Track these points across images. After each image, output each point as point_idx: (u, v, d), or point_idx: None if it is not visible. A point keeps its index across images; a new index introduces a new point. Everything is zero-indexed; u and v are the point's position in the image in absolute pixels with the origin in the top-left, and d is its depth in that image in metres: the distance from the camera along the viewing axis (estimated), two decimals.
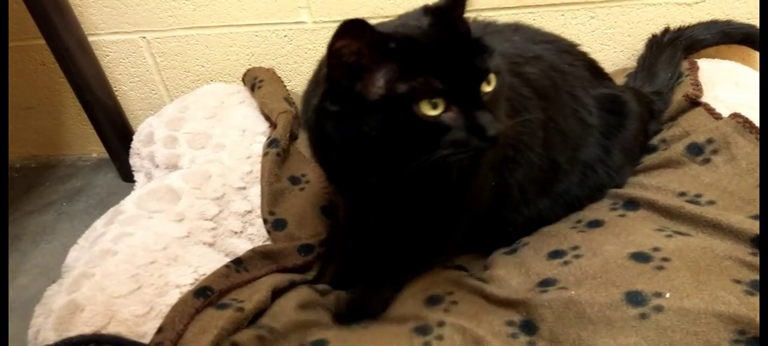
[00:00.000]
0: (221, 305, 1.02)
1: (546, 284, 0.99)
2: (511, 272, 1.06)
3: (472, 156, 0.81)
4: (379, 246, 1.12)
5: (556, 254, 1.04)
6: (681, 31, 1.49)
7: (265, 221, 1.26)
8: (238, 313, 0.99)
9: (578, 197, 1.18)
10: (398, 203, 0.98)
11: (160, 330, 0.96)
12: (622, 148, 1.21)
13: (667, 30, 1.50)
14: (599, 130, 1.18)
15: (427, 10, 0.85)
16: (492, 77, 0.81)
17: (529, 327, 0.95)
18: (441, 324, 0.97)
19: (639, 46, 1.58)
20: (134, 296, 1.02)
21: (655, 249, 0.96)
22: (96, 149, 2.00)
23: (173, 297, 1.03)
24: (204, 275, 1.09)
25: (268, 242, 1.24)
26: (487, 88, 0.81)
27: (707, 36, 1.48)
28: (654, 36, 1.51)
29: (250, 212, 1.28)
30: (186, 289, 1.05)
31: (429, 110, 0.76)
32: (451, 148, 0.78)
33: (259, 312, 1.03)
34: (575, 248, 1.04)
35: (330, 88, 0.80)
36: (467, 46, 0.80)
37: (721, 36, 1.48)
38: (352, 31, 0.73)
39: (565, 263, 1.01)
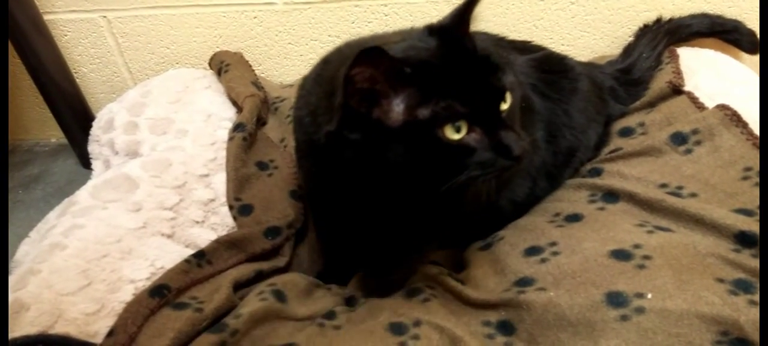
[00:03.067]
0: (178, 304, 0.96)
1: (523, 283, 0.95)
2: (487, 272, 1.01)
3: (498, 175, 0.80)
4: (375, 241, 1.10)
5: (533, 251, 1.00)
6: (671, 20, 1.48)
7: (231, 207, 1.20)
8: (196, 314, 0.93)
9: (555, 166, 1.17)
10: (406, 213, 0.95)
11: (111, 333, 0.90)
12: (579, 108, 1.20)
13: (658, 20, 1.50)
14: (552, 98, 1.17)
15: (431, 30, 0.83)
16: (508, 95, 0.80)
17: (506, 328, 0.91)
18: (417, 323, 0.93)
19: (619, 32, 1.56)
20: (84, 293, 0.96)
21: (636, 246, 0.92)
22: (55, 134, 1.91)
23: (127, 293, 0.97)
24: (161, 268, 1.03)
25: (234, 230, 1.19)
26: (504, 106, 0.80)
27: (693, 23, 1.47)
28: (645, 25, 1.51)
29: (213, 200, 1.22)
30: (141, 284, 1.00)
31: (453, 134, 0.76)
32: (478, 169, 0.78)
33: (221, 314, 0.97)
34: (553, 244, 1.00)
35: (347, 116, 0.77)
36: (481, 66, 0.80)
37: (709, 26, 1.47)
38: (368, 59, 0.71)
39: (543, 260, 0.97)
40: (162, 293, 0.95)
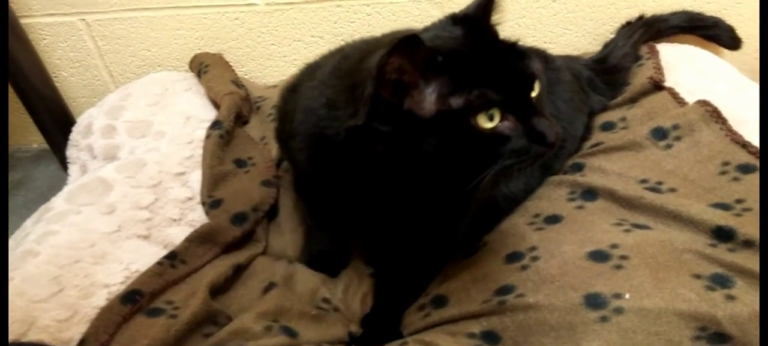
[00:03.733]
0: (152, 310, 0.95)
1: (504, 292, 0.94)
2: (467, 283, 1.00)
3: (532, 162, 0.79)
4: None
5: (513, 257, 0.99)
6: (652, 16, 1.49)
7: (203, 203, 1.19)
8: (171, 320, 0.92)
9: (548, 157, 1.15)
10: (423, 208, 0.93)
11: (82, 342, 0.88)
12: (565, 99, 1.21)
13: (640, 17, 1.50)
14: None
15: (455, 19, 0.82)
16: (537, 82, 0.79)
17: (491, 338, 0.90)
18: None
19: (601, 29, 1.56)
20: (56, 299, 0.94)
21: (613, 246, 0.92)
22: (36, 140, 1.88)
23: (100, 299, 0.96)
24: (136, 271, 1.01)
25: None
26: (534, 93, 0.79)
27: (671, 18, 1.48)
28: (628, 22, 1.51)
29: (190, 198, 1.20)
30: (115, 289, 0.98)
31: (486, 123, 0.74)
32: (513, 157, 0.77)
33: (198, 320, 0.94)
34: (532, 249, 0.99)
35: (377, 108, 0.75)
36: (510, 53, 0.79)
37: (688, 21, 1.48)
38: (406, 47, 0.69)
39: (523, 267, 0.96)
40: (134, 299, 0.94)
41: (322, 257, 1.15)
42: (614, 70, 1.37)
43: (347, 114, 0.79)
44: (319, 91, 0.88)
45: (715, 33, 1.47)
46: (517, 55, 0.79)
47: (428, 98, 0.74)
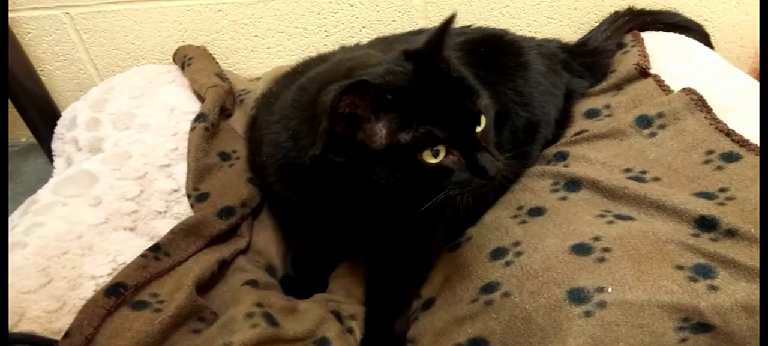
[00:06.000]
0: (137, 303, 0.95)
1: (489, 289, 0.94)
2: (453, 282, 1.01)
3: (475, 193, 0.84)
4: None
5: (497, 253, 1.00)
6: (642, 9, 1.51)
7: (189, 196, 1.19)
8: (155, 314, 0.92)
9: (518, 144, 1.18)
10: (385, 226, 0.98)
11: (66, 335, 0.88)
12: (532, 83, 1.22)
13: (630, 9, 1.52)
14: (492, 80, 1.16)
15: (408, 55, 0.85)
16: (482, 118, 0.84)
17: (479, 344, 0.90)
18: None
19: (585, 18, 1.56)
20: (45, 290, 0.95)
21: (596, 239, 0.92)
22: (24, 134, 1.86)
23: (88, 290, 0.96)
24: (123, 263, 1.02)
25: None
26: (479, 128, 0.83)
27: (657, 16, 1.50)
28: (616, 12, 1.52)
29: (176, 190, 1.20)
30: (102, 280, 0.98)
31: (431, 158, 0.80)
32: (455, 189, 0.82)
33: (183, 314, 0.94)
34: (516, 243, 0.99)
35: (332, 141, 0.80)
36: (457, 90, 0.84)
37: (672, 19, 1.51)
38: (354, 91, 0.74)
39: (507, 263, 0.96)
40: (119, 292, 0.94)
41: (291, 282, 1.14)
42: (594, 53, 1.38)
43: (309, 143, 0.83)
44: (283, 124, 0.93)
45: (694, 36, 1.47)
46: (464, 92, 0.84)
47: (379, 133, 0.79)
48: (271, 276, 1.13)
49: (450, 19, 0.82)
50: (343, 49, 1.26)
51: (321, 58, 1.17)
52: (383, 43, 1.29)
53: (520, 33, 1.39)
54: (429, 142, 0.79)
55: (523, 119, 1.18)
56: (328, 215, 0.97)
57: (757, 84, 1.23)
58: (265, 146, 0.99)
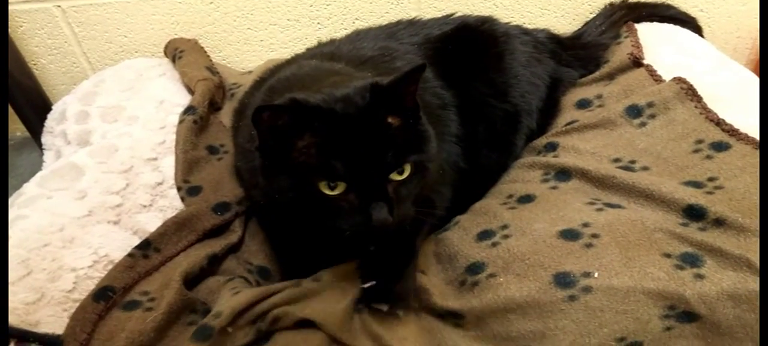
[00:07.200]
0: (128, 304, 0.94)
1: (474, 269, 0.93)
2: (435, 260, 1.01)
3: (368, 234, 0.83)
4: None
5: (484, 235, 0.99)
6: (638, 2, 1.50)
7: (179, 189, 1.18)
8: (148, 312, 0.91)
9: (497, 136, 1.18)
10: None
11: (60, 343, 0.87)
12: (512, 74, 1.20)
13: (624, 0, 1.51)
14: (463, 77, 1.16)
15: (374, 88, 0.82)
16: (406, 167, 0.83)
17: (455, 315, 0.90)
18: None
19: (580, 9, 1.56)
20: (24, 282, 0.93)
21: (585, 225, 0.92)
22: (19, 128, 1.86)
23: (67, 282, 0.95)
24: (105, 256, 1.01)
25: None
26: (399, 177, 0.83)
27: (653, 8, 1.49)
28: (611, 3, 1.51)
29: (161, 183, 1.19)
30: (83, 272, 0.97)
31: (326, 189, 0.81)
32: (345, 225, 0.82)
33: (175, 310, 0.93)
34: (504, 226, 0.98)
35: (260, 145, 0.84)
36: (390, 135, 0.82)
37: (666, 11, 1.50)
38: (280, 108, 0.78)
39: (494, 244, 0.95)
40: (107, 296, 0.93)
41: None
42: (587, 46, 1.36)
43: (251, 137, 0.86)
44: (249, 130, 0.92)
45: (688, 28, 1.47)
46: (398, 141, 0.82)
47: (295, 149, 0.80)
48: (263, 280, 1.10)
49: (417, 69, 0.81)
50: (351, 35, 1.28)
51: (277, 68, 1.17)
52: (356, 38, 1.26)
53: (513, 23, 1.37)
54: (327, 175, 0.79)
55: (499, 111, 1.18)
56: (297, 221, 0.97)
57: (751, 75, 1.22)
58: (237, 154, 1.04)
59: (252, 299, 0.90)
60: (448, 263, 0.99)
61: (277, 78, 1.04)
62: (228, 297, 0.92)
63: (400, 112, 0.84)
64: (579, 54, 1.35)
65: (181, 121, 1.28)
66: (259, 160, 0.86)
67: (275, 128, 0.79)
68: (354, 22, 1.61)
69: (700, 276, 0.81)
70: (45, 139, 1.46)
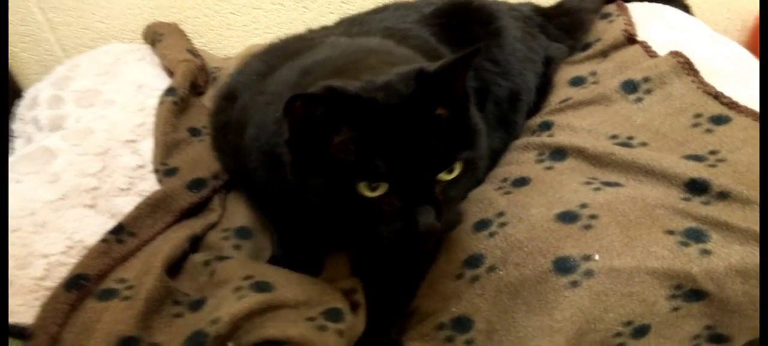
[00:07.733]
0: (103, 292, 0.88)
1: (473, 262, 0.89)
2: (438, 256, 0.95)
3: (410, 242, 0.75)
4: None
5: (481, 225, 0.94)
6: None
7: (157, 171, 1.13)
8: (126, 301, 0.85)
9: (502, 115, 1.14)
10: None
11: (30, 336, 0.81)
12: (509, 50, 1.15)
13: None
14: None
15: (420, 74, 0.73)
16: (456, 166, 0.75)
17: (462, 324, 0.85)
18: None
19: None
20: None
21: (583, 206, 0.88)
22: None
23: (38, 269, 0.90)
24: (80, 241, 0.96)
25: None
26: (447, 176, 0.75)
27: None
28: None
29: (141, 166, 1.14)
30: (55, 259, 0.92)
31: (366, 191, 0.72)
32: (385, 232, 0.74)
33: (156, 299, 0.87)
34: (500, 214, 0.94)
35: (290, 138, 0.75)
36: (438, 129, 0.73)
37: None
38: (316, 98, 0.69)
39: (491, 234, 0.91)
40: (79, 285, 0.87)
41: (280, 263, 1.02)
42: (570, 13, 1.33)
43: (278, 131, 0.78)
44: (276, 107, 0.82)
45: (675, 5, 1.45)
46: (448, 133, 0.74)
47: (330, 144, 0.72)
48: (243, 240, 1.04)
49: (470, 54, 0.73)
50: (345, 22, 1.22)
51: (308, 39, 1.10)
52: (351, 25, 1.21)
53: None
54: (368, 174, 0.71)
55: (504, 89, 1.14)
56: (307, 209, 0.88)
57: (744, 50, 1.22)
58: (250, 127, 0.91)
59: (255, 307, 0.82)
60: (442, 258, 0.94)
61: (322, 56, 0.94)
62: (231, 302, 0.84)
63: (449, 102, 0.75)
64: (563, 22, 1.32)
65: (161, 103, 1.23)
66: (288, 156, 0.76)
67: (309, 120, 0.71)
68: (341, 6, 1.58)
69: (706, 252, 0.78)
70: (15, 126, 1.39)
